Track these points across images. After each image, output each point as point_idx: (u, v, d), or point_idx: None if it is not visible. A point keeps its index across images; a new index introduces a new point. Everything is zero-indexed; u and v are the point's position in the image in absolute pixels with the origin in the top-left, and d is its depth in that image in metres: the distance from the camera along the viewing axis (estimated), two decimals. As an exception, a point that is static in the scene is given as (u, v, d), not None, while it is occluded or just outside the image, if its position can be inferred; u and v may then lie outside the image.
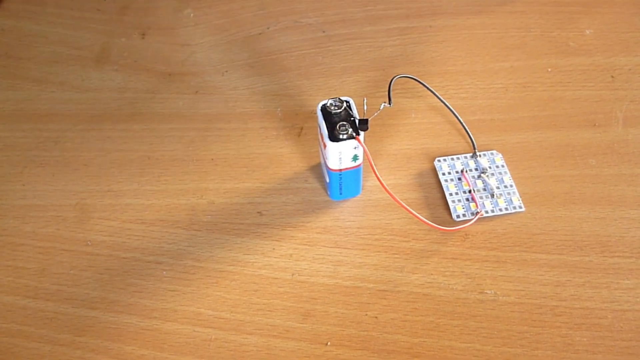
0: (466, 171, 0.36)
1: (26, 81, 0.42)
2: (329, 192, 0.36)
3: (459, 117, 0.38)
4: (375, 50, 0.43)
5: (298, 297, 0.32)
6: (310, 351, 0.31)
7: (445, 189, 0.36)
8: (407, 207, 0.32)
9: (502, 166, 0.36)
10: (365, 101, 0.32)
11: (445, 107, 0.38)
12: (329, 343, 0.31)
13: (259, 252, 0.34)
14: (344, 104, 0.31)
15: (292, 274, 0.33)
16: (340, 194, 0.35)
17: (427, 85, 0.38)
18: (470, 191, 0.35)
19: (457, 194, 0.35)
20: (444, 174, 0.36)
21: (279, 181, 0.37)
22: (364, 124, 0.31)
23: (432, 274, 0.33)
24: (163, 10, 0.46)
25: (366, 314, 0.32)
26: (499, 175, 0.36)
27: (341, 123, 0.31)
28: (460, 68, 0.41)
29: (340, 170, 0.33)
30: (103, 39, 0.45)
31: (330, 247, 0.34)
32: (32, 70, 0.43)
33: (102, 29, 0.45)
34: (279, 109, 0.40)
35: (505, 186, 0.36)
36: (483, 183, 0.36)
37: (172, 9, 0.46)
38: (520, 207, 0.35)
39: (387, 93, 0.33)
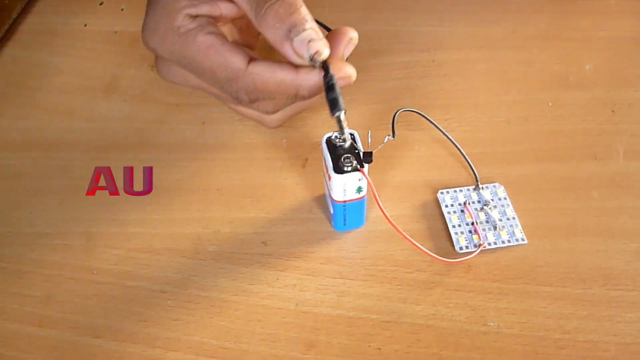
0: (469, 203, 0.37)
1: (37, 110, 0.43)
2: (333, 223, 0.36)
3: (462, 150, 0.39)
4: (379, 83, 0.44)
5: (302, 327, 0.33)
6: (313, 382, 0.31)
7: (448, 221, 0.36)
8: (410, 239, 0.32)
9: (505, 198, 0.37)
10: (369, 134, 0.33)
11: (448, 140, 0.39)
12: (332, 374, 0.31)
13: (263, 281, 0.34)
14: (349, 136, 0.32)
15: (296, 304, 0.33)
16: (344, 224, 0.35)
17: (430, 119, 0.39)
18: (472, 223, 0.36)
19: (459, 225, 0.36)
20: (446, 205, 0.37)
21: (283, 211, 0.37)
22: (368, 156, 0.31)
23: (435, 305, 0.33)
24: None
25: (369, 345, 0.32)
26: (501, 208, 0.36)
27: (346, 155, 0.31)
28: (463, 101, 0.42)
29: (345, 201, 0.33)
30: (113, 70, 0.45)
31: (334, 278, 0.34)
32: (43, 100, 0.44)
33: (112, 61, 0.46)
34: (284, 140, 0.41)
35: (508, 218, 0.36)
36: (485, 215, 0.36)
37: (181, 41, 0.47)
38: (522, 240, 0.35)
39: (391, 126, 0.34)
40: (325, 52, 0.30)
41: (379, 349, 0.32)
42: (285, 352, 0.32)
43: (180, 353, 0.32)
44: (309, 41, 0.29)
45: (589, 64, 0.44)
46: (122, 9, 0.50)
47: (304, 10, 0.30)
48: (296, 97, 0.32)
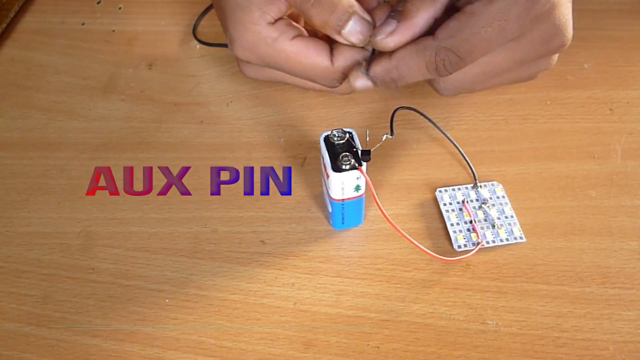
0: (467, 202, 0.37)
1: (34, 110, 0.43)
2: (331, 222, 0.36)
3: (460, 148, 0.39)
4: (378, 82, 0.43)
5: (300, 326, 0.33)
6: (311, 381, 0.31)
7: (446, 220, 0.36)
8: (409, 237, 0.32)
9: (503, 197, 0.37)
10: (367, 132, 0.33)
11: (446, 139, 0.39)
12: (330, 373, 0.31)
13: (262, 280, 0.34)
14: (347, 135, 0.32)
15: (294, 303, 0.33)
16: (343, 223, 0.35)
17: (429, 117, 0.39)
18: (471, 221, 0.36)
19: (458, 224, 0.36)
20: (445, 204, 0.37)
21: (281, 210, 0.37)
22: (366, 154, 0.31)
23: (433, 304, 0.33)
24: (170, 42, 0.47)
25: (368, 344, 0.32)
26: (499, 206, 0.36)
27: (344, 154, 0.31)
28: (461, 100, 0.42)
29: (343, 200, 0.33)
30: (111, 70, 0.45)
31: (332, 277, 0.34)
32: (41, 99, 0.44)
33: (110, 60, 0.46)
34: (282, 139, 0.41)
35: (506, 217, 0.36)
36: (484, 214, 0.36)
37: (179, 41, 0.47)
38: (521, 238, 0.35)
39: (389, 124, 0.34)
40: (370, 32, 0.33)
41: (378, 347, 0.32)
42: (283, 350, 0.32)
43: (179, 352, 0.32)
44: (355, 28, 0.33)
45: (587, 62, 0.44)
46: (119, 8, 0.50)
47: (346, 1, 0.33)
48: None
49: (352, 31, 0.33)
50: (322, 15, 0.33)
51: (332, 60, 0.34)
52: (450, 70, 0.33)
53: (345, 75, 0.35)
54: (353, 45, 0.34)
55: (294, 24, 0.35)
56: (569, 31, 0.34)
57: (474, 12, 0.31)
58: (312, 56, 0.34)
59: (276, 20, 0.35)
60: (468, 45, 0.32)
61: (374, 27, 0.33)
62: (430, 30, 0.33)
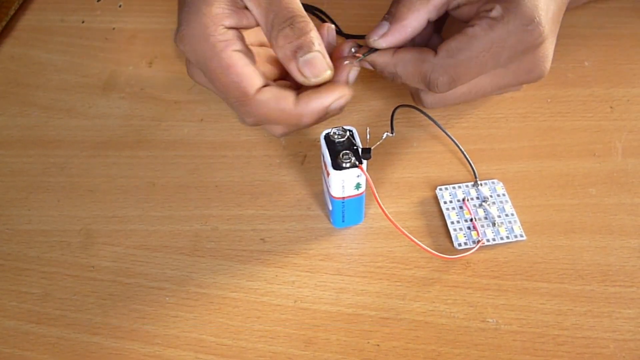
0: (467, 200, 0.37)
1: (34, 108, 0.43)
2: (331, 220, 0.36)
3: (460, 146, 0.39)
4: (378, 80, 0.43)
5: (300, 324, 0.33)
6: (312, 379, 0.31)
7: (446, 218, 0.36)
8: (409, 235, 0.32)
9: (503, 195, 0.37)
10: (368, 130, 0.33)
11: (447, 137, 0.39)
12: (330, 371, 0.31)
13: (262, 278, 0.34)
14: (347, 133, 0.32)
15: (295, 301, 0.33)
16: (343, 221, 0.35)
17: (429, 115, 0.39)
18: (471, 220, 0.36)
19: (458, 222, 0.36)
20: (445, 202, 0.37)
21: (282, 208, 0.37)
22: (367, 152, 0.31)
23: (434, 302, 0.33)
24: (170, 40, 0.47)
25: (368, 342, 0.32)
26: (500, 204, 0.36)
27: (344, 152, 0.31)
28: (461, 98, 0.42)
29: (343, 198, 0.33)
30: (111, 67, 0.45)
31: (333, 275, 0.34)
32: (41, 97, 0.44)
33: (110, 58, 0.46)
34: (282, 137, 0.41)
35: (507, 215, 0.36)
36: (484, 212, 0.36)
37: (179, 38, 0.47)
38: (521, 236, 0.35)
39: (389, 122, 0.34)
40: (326, 74, 0.31)
41: (378, 345, 0.32)
42: (284, 348, 0.32)
43: (179, 350, 0.32)
44: (312, 62, 0.31)
45: (588, 60, 0.44)
46: (119, 6, 0.50)
47: (314, 34, 0.31)
48: (298, 125, 0.33)
49: (308, 61, 0.31)
50: (290, 37, 0.31)
51: (258, 91, 0.31)
52: (442, 90, 0.33)
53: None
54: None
55: (250, 47, 0.33)
56: (549, 65, 0.36)
57: (475, 35, 0.32)
58: (241, 76, 0.31)
59: (232, 28, 0.32)
60: (463, 67, 0.33)
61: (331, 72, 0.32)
62: (427, 33, 0.34)
